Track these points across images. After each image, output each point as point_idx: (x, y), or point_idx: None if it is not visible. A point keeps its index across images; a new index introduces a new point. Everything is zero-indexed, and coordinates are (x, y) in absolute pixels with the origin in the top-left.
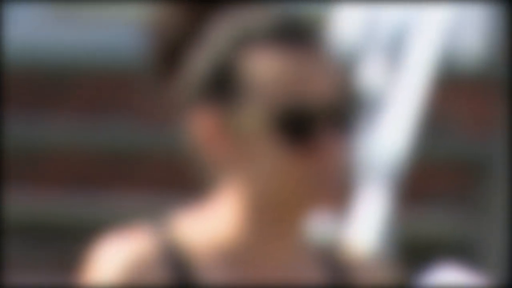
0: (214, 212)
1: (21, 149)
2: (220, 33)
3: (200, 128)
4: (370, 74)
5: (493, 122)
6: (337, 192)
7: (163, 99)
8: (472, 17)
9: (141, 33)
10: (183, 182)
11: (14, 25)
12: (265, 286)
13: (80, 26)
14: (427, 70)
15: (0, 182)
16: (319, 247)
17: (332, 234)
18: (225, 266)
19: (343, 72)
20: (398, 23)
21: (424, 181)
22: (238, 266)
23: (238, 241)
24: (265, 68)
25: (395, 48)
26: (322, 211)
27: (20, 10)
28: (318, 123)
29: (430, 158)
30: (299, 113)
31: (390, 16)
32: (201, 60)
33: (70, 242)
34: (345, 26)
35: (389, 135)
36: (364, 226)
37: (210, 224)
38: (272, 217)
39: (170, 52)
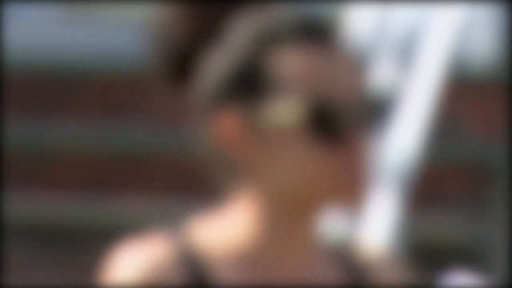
0: (231, 215)
1: (30, 151)
2: (242, 34)
3: (223, 130)
4: (381, 75)
5: (504, 124)
6: (359, 188)
7: (173, 101)
8: (484, 18)
9: (150, 34)
10: (192, 184)
11: (21, 26)
12: (282, 287)
13: (88, 27)
14: (438, 71)
15: (6, 184)
16: (334, 247)
17: (345, 235)
18: (242, 268)
19: (361, 70)
20: (409, 24)
21: (435, 182)
22: (255, 268)
23: (255, 243)
24: (294, 66)
25: (406, 49)
26: (337, 211)
27: (29, 12)
28: (346, 119)
29: (441, 160)
30: (329, 109)
31: (401, 17)
32: (222, 61)
33: (84, 245)
34: (357, 27)
35: (400, 136)
36: (375, 227)
37: (226, 228)
38: (290, 218)
39: (182, 55)
